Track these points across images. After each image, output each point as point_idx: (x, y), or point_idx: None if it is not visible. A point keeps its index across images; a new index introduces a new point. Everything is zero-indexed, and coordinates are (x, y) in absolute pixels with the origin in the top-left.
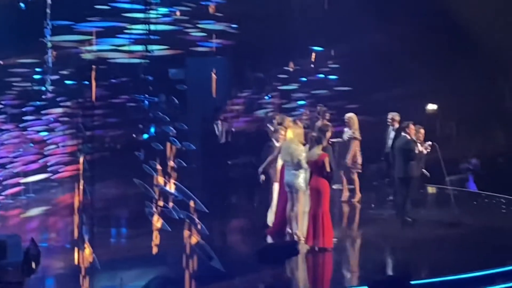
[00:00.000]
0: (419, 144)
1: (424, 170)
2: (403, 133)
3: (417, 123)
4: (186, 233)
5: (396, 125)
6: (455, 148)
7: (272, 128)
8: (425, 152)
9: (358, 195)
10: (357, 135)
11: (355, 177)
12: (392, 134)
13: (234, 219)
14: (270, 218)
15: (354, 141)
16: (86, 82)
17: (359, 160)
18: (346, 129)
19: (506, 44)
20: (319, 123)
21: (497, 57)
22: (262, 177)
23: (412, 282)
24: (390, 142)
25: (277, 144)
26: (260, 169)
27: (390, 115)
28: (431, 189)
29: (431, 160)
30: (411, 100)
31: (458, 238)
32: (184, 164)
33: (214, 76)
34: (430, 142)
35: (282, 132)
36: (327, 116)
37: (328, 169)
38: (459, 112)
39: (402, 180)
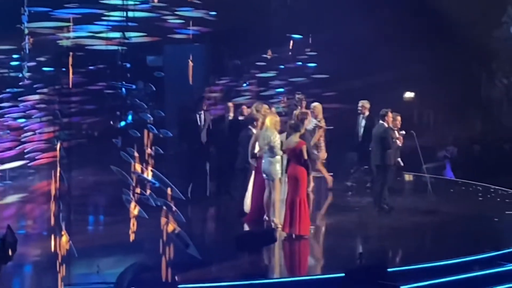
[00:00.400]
0: (396, 132)
1: (399, 159)
2: (380, 121)
3: (395, 111)
4: (163, 220)
5: (367, 113)
6: (432, 136)
7: (251, 114)
8: (399, 143)
9: (329, 178)
10: (322, 124)
11: (320, 166)
12: (363, 122)
13: (211, 207)
14: (247, 205)
15: (319, 130)
16: (64, 69)
17: (323, 148)
18: (312, 119)
19: (483, 32)
20: (297, 111)
21: (474, 45)
22: (253, 161)
23: (389, 270)
24: (361, 130)
25: (254, 131)
26: (250, 157)
27: (361, 103)
28: (408, 177)
29: (409, 148)
30: (389, 87)
31: (434, 226)
32: (161, 151)
33: (191, 63)
34: (403, 132)
35: (260, 120)
36: (304, 104)
37: (305, 156)
38: (436, 100)
39: (379, 168)
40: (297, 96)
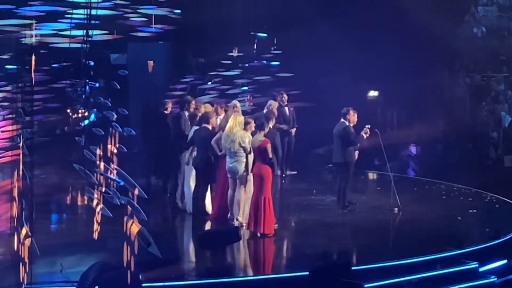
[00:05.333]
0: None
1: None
2: (342, 119)
3: (356, 109)
4: (126, 219)
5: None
6: (396, 134)
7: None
8: (365, 136)
9: None
10: None
11: None
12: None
13: (174, 205)
14: (208, 204)
15: None
16: (27, 67)
17: None
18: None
19: (446, 31)
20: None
21: (437, 44)
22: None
23: (353, 268)
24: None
25: (209, 128)
26: (219, 153)
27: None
28: (371, 175)
29: (372, 146)
30: (353, 86)
31: (398, 224)
32: (125, 150)
33: (152, 62)
34: (368, 126)
35: (213, 118)
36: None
37: (270, 155)
38: (400, 99)
39: (341, 166)
40: (281, 95)
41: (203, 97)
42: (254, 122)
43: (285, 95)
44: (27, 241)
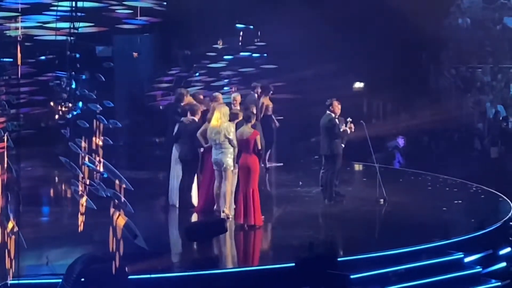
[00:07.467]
0: (337, 120)
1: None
2: (327, 111)
3: (339, 99)
4: (111, 211)
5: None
6: (382, 126)
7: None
8: (349, 131)
9: None
10: None
11: None
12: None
13: (160, 197)
14: (195, 197)
15: None
16: (11, 60)
17: None
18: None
19: (432, 22)
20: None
21: (422, 35)
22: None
23: (339, 259)
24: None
25: (196, 120)
26: (204, 145)
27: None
28: (358, 166)
29: (358, 137)
30: (338, 78)
31: (384, 215)
32: (111, 142)
33: (136, 55)
34: (350, 119)
35: (200, 109)
36: (270, 94)
37: (259, 146)
38: (385, 90)
39: (328, 158)
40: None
41: (189, 89)
42: (242, 114)
43: (259, 88)
44: (13, 234)
